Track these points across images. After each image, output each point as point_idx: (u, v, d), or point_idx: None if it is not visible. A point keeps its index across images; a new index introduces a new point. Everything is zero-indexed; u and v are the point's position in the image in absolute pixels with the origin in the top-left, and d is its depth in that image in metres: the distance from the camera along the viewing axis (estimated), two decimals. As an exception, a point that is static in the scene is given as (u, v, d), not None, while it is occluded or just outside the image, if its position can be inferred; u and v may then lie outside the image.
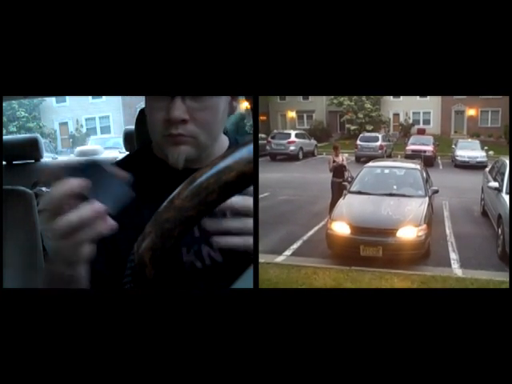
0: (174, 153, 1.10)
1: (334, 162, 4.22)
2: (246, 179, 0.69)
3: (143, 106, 1.20)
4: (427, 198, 3.46)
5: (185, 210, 0.68)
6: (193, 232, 1.08)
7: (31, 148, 3.75)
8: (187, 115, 1.07)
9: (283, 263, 3.02)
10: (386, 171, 3.97)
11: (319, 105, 13.75)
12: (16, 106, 22.64)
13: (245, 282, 0.62)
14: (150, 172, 1.16)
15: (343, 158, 4.28)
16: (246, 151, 0.69)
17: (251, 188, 0.77)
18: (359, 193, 3.58)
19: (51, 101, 23.75)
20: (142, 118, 1.50)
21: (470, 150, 8.12)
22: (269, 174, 6.31)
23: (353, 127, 13.04)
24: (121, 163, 1.20)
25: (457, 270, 2.94)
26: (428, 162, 6.96)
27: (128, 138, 3.48)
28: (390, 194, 3.51)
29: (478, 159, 7.75)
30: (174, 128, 1.09)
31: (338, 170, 4.17)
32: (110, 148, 12.85)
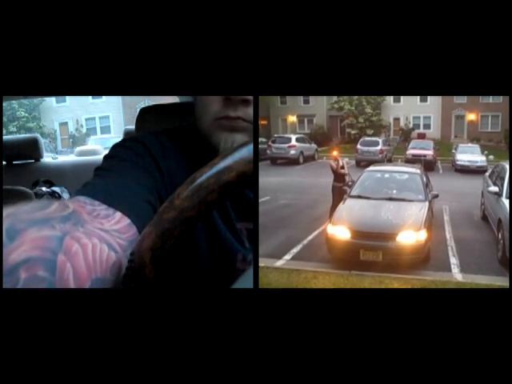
0: (228, 141, 0.94)
1: (336, 165, 4.22)
2: (247, 179, 0.69)
3: (143, 105, 1.18)
4: (427, 203, 3.45)
5: (185, 210, 0.68)
6: (244, 241, 1.03)
7: (31, 148, 3.77)
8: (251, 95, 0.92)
9: (283, 267, 3.02)
10: (387, 175, 3.97)
11: (320, 109, 13.77)
12: (16, 106, 22.73)
13: (245, 282, 0.62)
14: (190, 149, 1.03)
15: (343, 162, 4.28)
16: (246, 151, 0.69)
17: None
18: (359, 197, 3.57)
19: (51, 101, 23.85)
20: (142, 117, 1.50)
21: (470, 155, 8.14)
22: (269, 178, 6.32)
23: (353, 132, 13.08)
24: (167, 132, 1.09)
25: (457, 274, 2.93)
26: (428, 166, 6.98)
27: (128, 138, 3.48)
28: (390, 199, 3.50)
29: (478, 164, 7.76)
30: (232, 109, 0.93)
31: (339, 173, 4.17)
32: (110, 149, 12.82)
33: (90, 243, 0.65)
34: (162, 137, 1.04)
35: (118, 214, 0.75)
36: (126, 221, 0.76)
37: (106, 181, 0.85)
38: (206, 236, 1.01)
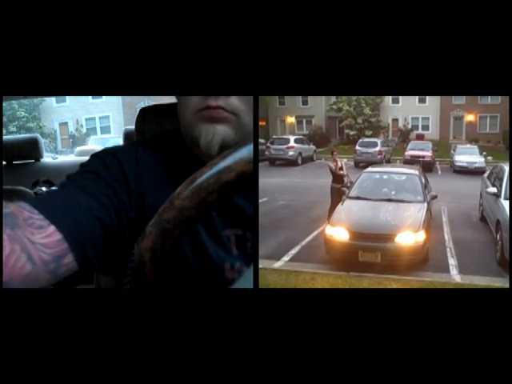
0: (209, 132, 0.91)
1: (335, 166, 4.22)
2: (246, 179, 0.69)
3: (143, 105, 1.17)
4: (426, 204, 3.45)
5: (185, 210, 0.68)
6: (231, 248, 1.02)
7: (31, 148, 3.76)
8: None
9: (281, 269, 3.02)
10: (385, 177, 3.97)
11: (318, 110, 13.76)
12: (16, 106, 22.68)
13: (245, 282, 0.62)
14: (173, 157, 1.02)
15: (342, 163, 4.28)
16: (246, 151, 0.69)
17: None
18: (358, 198, 3.57)
19: (51, 101, 23.79)
20: (142, 117, 1.50)
21: (468, 156, 8.15)
22: (268, 179, 6.31)
23: (352, 132, 13.07)
24: (150, 141, 1.08)
25: (455, 275, 2.93)
26: (427, 167, 6.99)
27: (128, 137, 3.49)
28: (389, 200, 3.50)
29: (477, 165, 7.77)
30: (212, 99, 0.90)
31: (338, 174, 4.17)
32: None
33: (8, 248, 0.68)
34: (143, 151, 1.02)
35: (52, 228, 0.77)
36: (58, 236, 0.77)
37: (58, 192, 0.88)
38: (191, 249, 1.00)
